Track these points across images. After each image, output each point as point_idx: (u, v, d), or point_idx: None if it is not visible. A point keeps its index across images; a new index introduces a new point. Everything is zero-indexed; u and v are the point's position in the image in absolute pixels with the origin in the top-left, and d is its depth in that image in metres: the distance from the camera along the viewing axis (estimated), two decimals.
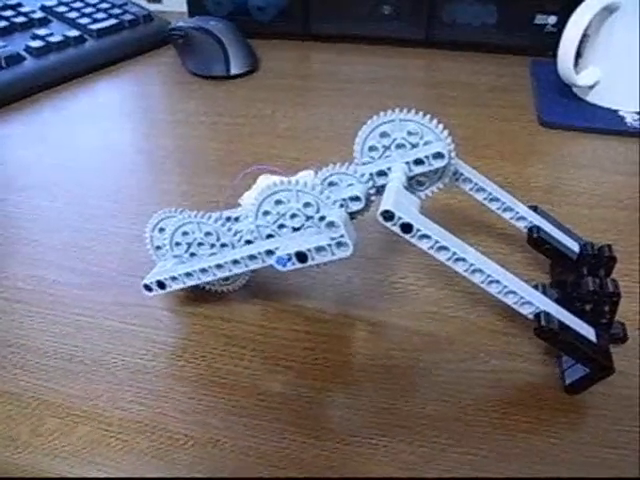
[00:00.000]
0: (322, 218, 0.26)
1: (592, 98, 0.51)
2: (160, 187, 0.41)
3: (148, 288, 0.30)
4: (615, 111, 0.49)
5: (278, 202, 0.27)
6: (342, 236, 0.25)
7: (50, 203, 0.39)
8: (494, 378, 0.26)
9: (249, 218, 0.28)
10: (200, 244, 0.29)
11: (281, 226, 0.28)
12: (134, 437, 0.24)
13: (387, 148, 0.28)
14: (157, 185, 0.41)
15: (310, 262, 0.27)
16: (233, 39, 0.58)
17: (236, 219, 0.31)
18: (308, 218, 0.27)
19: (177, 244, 0.29)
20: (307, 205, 0.27)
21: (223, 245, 0.29)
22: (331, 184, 0.28)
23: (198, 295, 0.31)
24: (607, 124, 0.48)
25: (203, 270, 0.29)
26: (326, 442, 0.24)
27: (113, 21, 0.62)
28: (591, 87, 0.50)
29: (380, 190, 0.28)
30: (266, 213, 0.27)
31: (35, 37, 0.57)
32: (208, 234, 0.29)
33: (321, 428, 0.24)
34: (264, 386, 0.26)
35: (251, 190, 0.35)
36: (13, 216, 0.38)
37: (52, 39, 0.57)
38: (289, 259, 0.27)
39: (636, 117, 0.48)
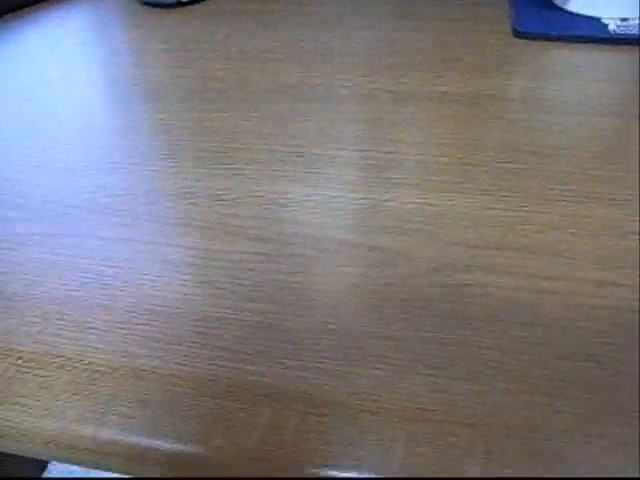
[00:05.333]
0: None
1: (573, 7, 0.47)
2: (103, 118, 0.38)
3: None
4: (598, 19, 0.45)
5: None
6: None
7: None
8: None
9: None
10: None
11: None
12: (55, 373, 0.22)
13: None
14: (102, 117, 0.38)
15: None
16: None
17: None
18: None
19: None
20: None
21: None
22: None
23: (131, 220, 0.28)
24: (589, 31, 0.44)
25: None
26: (260, 367, 0.21)
27: None
28: None
29: None
30: None
31: None
32: None
33: (258, 352, 0.22)
34: (202, 312, 0.24)
35: None
36: None
37: None
38: None
39: (620, 23, 0.44)
